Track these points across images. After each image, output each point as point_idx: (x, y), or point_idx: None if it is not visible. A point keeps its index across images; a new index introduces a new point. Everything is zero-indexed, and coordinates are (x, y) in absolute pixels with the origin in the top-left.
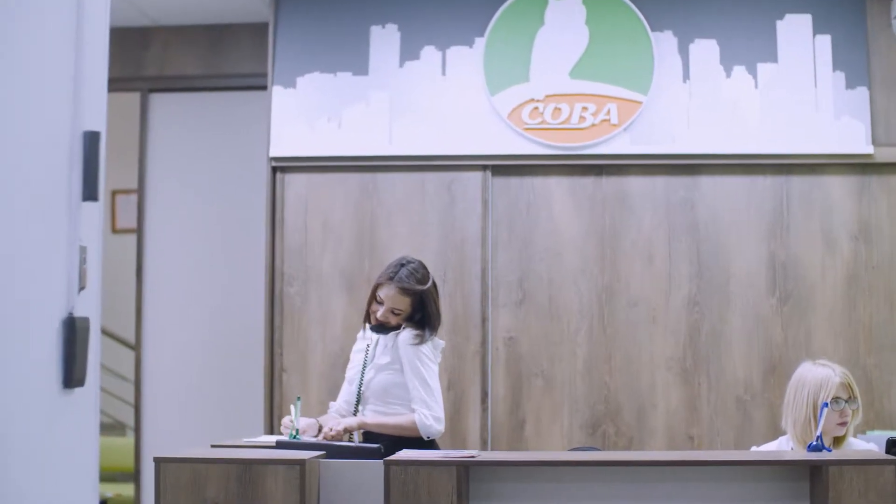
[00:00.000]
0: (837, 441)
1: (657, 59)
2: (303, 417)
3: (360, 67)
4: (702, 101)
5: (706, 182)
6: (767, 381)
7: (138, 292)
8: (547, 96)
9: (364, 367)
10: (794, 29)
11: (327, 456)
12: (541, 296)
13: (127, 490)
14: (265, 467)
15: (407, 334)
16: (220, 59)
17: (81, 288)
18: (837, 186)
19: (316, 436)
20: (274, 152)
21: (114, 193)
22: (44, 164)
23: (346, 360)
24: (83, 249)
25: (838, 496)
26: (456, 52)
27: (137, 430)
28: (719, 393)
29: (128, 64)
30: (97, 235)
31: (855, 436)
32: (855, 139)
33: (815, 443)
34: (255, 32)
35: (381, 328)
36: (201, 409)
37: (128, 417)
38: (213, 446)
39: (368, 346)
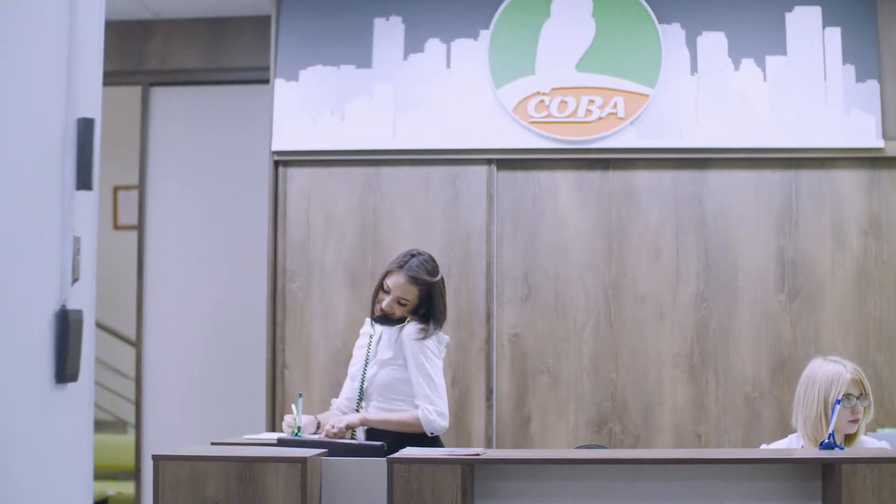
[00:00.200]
0: (849, 438)
1: (664, 52)
2: (304, 415)
3: (364, 60)
4: (710, 94)
5: (714, 176)
6: (776, 379)
7: (139, 288)
8: (553, 89)
9: (366, 362)
10: (804, 21)
11: (329, 454)
12: (546, 291)
13: (128, 488)
14: (266, 465)
15: (411, 328)
16: (222, 52)
17: (75, 280)
18: (847, 181)
19: (315, 433)
20: (276, 146)
21: (115, 189)
22: (35, 152)
23: (349, 357)
24: (77, 240)
25: (851, 495)
26: (461, 45)
27: (138, 427)
28: (727, 390)
29: (129, 57)
30: (92, 226)
31: (865, 433)
32: (865, 133)
33: (827, 440)
34: (258, 25)
35: (385, 319)
36: (203, 406)
37: (129, 415)
38: (213, 444)
39: (371, 340)
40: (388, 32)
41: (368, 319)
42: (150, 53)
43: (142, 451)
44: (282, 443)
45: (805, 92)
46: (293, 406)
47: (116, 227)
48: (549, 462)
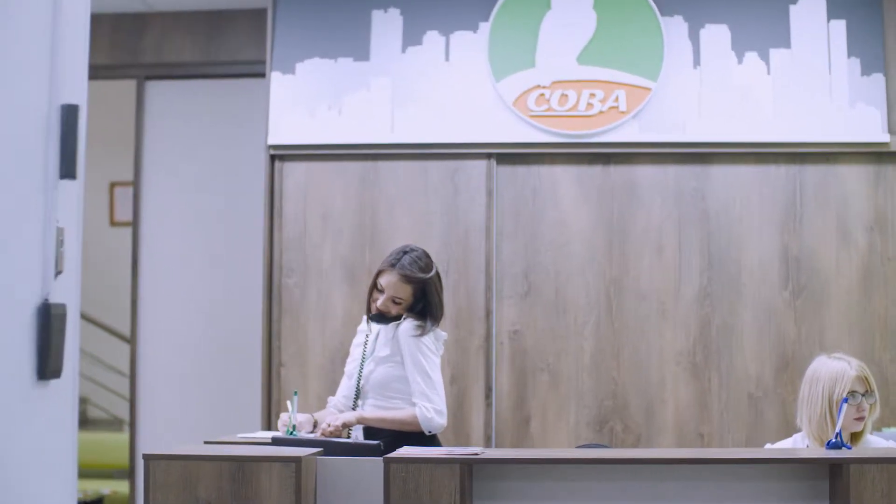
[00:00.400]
0: (855, 437)
1: (667, 45)
2: (299, 413)
3: (362, 53)
4: (713, 87)
5: (717, 171)
6: (780, 377)
7: (133, 285)
8: (553, 83)
9: (363, 360)
10: (808, 14)
11: (325, 453)
12: (547, 288)
13: (124, 487)
14: (259, 465)
15: (407, 325)
16: (218, 45)
17: (58, 272)
18: (852, 176)
19: (312, 431)
20: (272, 140)
21: (112, 186)
22: (16, 140)
23: (346, 354)
24: (60, 231)
25: (859, 496)
26: (460, 37)
27: (133, 425)
28: (730, 389)
29: (124, 51)
30: (76, 216)
31: (871, 432)
32: (870, 127)
33: (834, 440)
34: (254, 18)
35: (381, 318)
36: (198, 403)
37: (125, 413)
38: (206, 443)
39: (367, 338)
40: (386, 25)
41: (366, 316)
42: (146, 47)
43: (136, 449)
44: (276, 442)
45: (809, 85)
46: (288, 404)
47: (113, 223)
48: (550, 462)
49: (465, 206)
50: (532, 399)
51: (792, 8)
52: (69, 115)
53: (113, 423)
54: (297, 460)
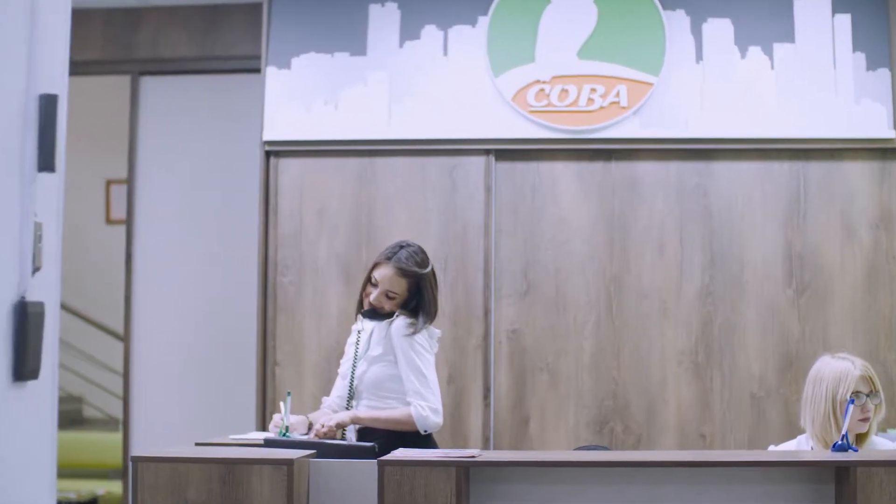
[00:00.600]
0: (859, 438)
1: (669, 39)
2: (292, 414)
3: (358, 47)
4: (715, 82)
5: (720, 168)
6: (783, 377)
7: (127, 282)
8: (553, 77)
9: (355, 359)
10: (813, 8)
11: (318, 455)
12: (546, 286)
13: (118, 487)
14: (250, 467)
15: (400, 322)
16: (213, 40)
17: (36, 269)
18: (857, 172)
19: (306, 433)
20: (267, 136)
21: (108, 183)
22: None
23: (342, 354)
24: (38, 226)
25: (867, 499)
26: (458, 32)
27: (126, 424)
28: (733, 389)
29: (118, 46)
30: (56, 211)
31: (876, 433)
32: (876, 123)
33: (840, 442)
34: (250, 12)
35: (374, 314)
36: (193, 402)
37: (121, 413)
38: (197, 444)
39: (360, 336)
40: (384, 19)
41: (359, 314)
42: (140, 42)
43: (129, 448)
44: (269, 443)
45: (814, 81)
46: (281, 405)
47: (109, 221)
48: (548, 464)
49: (464, 202)
50: (531, 399)
51: (796, 2)
52: (48, 105)
53: (108, 423)
54: (288, 463)
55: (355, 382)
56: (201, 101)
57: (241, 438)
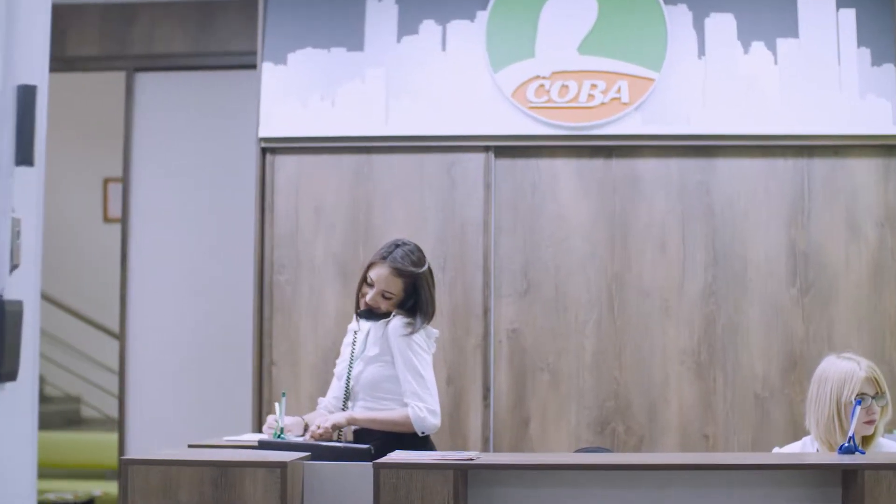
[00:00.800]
0: (865, 441)
1: (671, 34)
2: (288, 416)
3: (355, 43)
4: (718, 78)
5: (722, 165)
6: (787, 377)
7: (122, 281)
8: (553, 73)
9: (352, 360)
10: (816, 2)
11: (312, 457)
12: (546, 285)
13: (115, 488)
14: (243, 470)
15: (397, 322)
16: (209, 36)
17: (14, 266)
18: (862, 169)
19: (302, 434)
20: (263, 132)
21: (106, 182)
22: None
23: (339, 354)
24: (16, 222)
25: (875, 503)
26: (457, 27)
27: (122, 423)
28: (736, 389)
29: (112, 41)
30: (36, 206)
31: (883, 435)
32: (881, 119)
33: (847, 444)
34: (245, 7)
35: (370, 314)
36: (189, 402)
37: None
38: (190, 446)
39: (356, 336)
40: (381, 14)
41: (355, 314)
42: (135, 37)
43: (125, 448)
44: (263, 445)
45: (818, 76)
46: (276, 406)
47: (106, 219)
48: (548, 467)
49: (462, 200)
50: (531, 400)
51: None
52: (26, 96)
53: (106, 423)
54: (282, 465)
55: (352, 383)
56: (197, 98)
57: (236, 440)
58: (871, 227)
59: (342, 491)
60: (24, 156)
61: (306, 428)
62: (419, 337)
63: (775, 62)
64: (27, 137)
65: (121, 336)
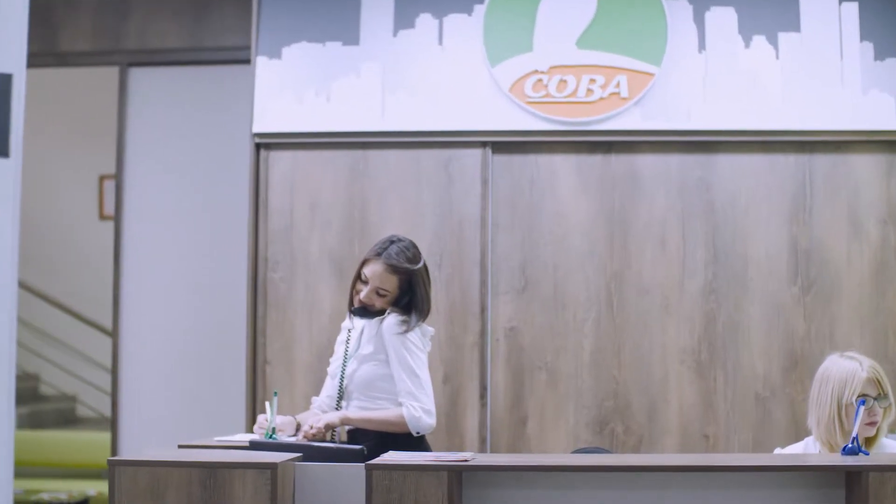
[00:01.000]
0: (867, 443)
1: (671, 28)
2: (280, 415)
3: (351, 37)
4: (719, 73)
5: (723, 161)
6: (788, 376)
7: (115, 278)
8: (552, 68)
9: (346, 358)
10: None
11: (304, 458)
12: (545, 283)
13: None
14: (232, 472)
15: (392, 320)
16: (203, 30)
17: None
18: (865, 166)
19: (294, 434)
20: (257, 128)
21: (101, 179)
22: None
23: (333, 352)
24: None
25: None
26: (454, 20)
27: (115, 422)
28: (737, 388)
29: (106, 36)
30: (12, 198)
31: (887, 435)
32: (884, 114)
33: (850, 445)
34: (240, 1)
35: (364, 312)
36: (183, 401)
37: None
38: (180, 446)
39: (350, 334)
40: (377, 7)
41: (349, 312)
42: (128, 32)
43: (118, 447)
44: (254, 446)
45: (820, 71)
46: (266, 405)
47: (102, 217)
48: (545, 469)
49: (460, 196)
50: (529, 399)
51: None
52: (1, 85)
53: (102, 423)
54: (272, 467)
55: (345, 382)
56: (191, 93)
57: (226, 440)
58: (873, 224)
59: (334, 493)
60: None
61: (298, 427)
62: (414, 335)
63: (777, 57)
64: (2, 128)
65: (114, 334)
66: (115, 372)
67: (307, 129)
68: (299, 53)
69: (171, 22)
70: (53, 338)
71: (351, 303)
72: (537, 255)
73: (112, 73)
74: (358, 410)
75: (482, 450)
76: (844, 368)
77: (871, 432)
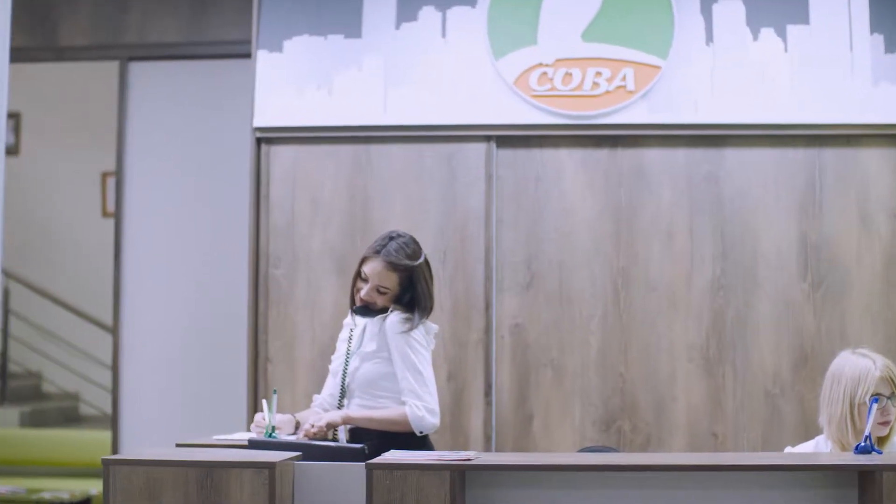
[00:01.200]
0: (880, 442)
1: (678, 20)
2: (279, 413)
3: (353, 29)
4: (726, 65)
5: (731, 155)
6: (798, 373)
7: (116, 275)
8: (557, 60)
9: (348, 356)
10: None
11: (304, 457)
12: (550, 279)
13: None
14: (229, 471)
15: (394, 318)
16: (203, 24)
17: None
18: (875, 160)
19: (293, 433)
20: (258, 122)
21: (104, 176)
22: None
23: (335, 350)
24: None
25: None
26: (457, 13)
27: (115, 420)
28: (745, 386)
29: (105, 30)
30: None
31: None
32: (894, 108)
33: (863, 444)
34: None
35: (366, 310)
36: (184, 398)
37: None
38: (178, 445)
39: (352, 332)
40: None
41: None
42: (128, 26)
43: (119, 444)
44: (253, 445)
45: (829, 64)
46: (263, 403)
47: (105, 214)
48: (549, 468)
49: (463, 191)
50: (534, 397)
51: None
52: None
53: (104, 421)
54: (270, 466)
55: (347, 380)
56: (191, 88)
57: (225, 439)
58: (884, 218)
59: (334, 493)
60: None
61: (297, 426)
62: (418, 333)
63: (785, 49)
64: None
65: (114, 331)
66: (115, 369)
67: (309, 124)
68: (300, 47)
69: (171, 16)
70: (56, 336)
71: (352, 301)
72: (542, 250)
73: (112, 67)
74: (360, 409)
75: (487, 449)
76: (857, 366)
77: (884, 432)
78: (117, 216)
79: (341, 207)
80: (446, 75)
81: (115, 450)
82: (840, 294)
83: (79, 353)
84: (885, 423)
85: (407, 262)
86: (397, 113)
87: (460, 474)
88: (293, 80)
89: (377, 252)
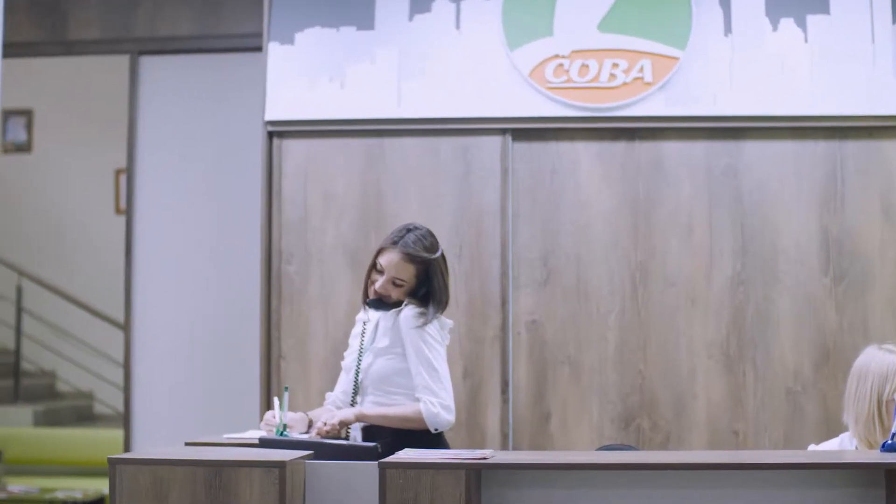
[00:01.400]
0: None
1: (695, 11)
2: (291, 411)
3: (366, 21)
4: (745, 57)
5: (751, 147)
6: (820, 370)
7: (128, 272)
8: (573, 52)
9: (361, 352)
10: None
11: (316, 456)
12: (567, 274)
13: None
14: (238, 470)
15: (409, 312)
16: (215, 17)
17: None
18: None
19: (305, 431)
20: (270, 115)
21: (117, 173)
22: None
23: (348, 346)
24: None
25: None
26: (471, 4)
27: (127, 418)
28: (766, 383)
29: (115, 24)
30: None
31: None
32: None
33: (890, 441)
34: None
35: (380, 303)
36: (197, 396)
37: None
38: (187, 444)
39: (365, 326)
40: None
41: (364, 303)
42: (139, 20)
43: (131, 442)
44: (264, 443)
45: (850, 54)
46: (275, 400)
47: (119, 211)
48: (566, 467)
49: (478, 186)
50: (552, 394)
51: None
52: None
53: (119, 420)
54: (280, 465)
55: (360, 376)
56: (202, 81)
57: (236, 437)
58: None
59: (346, 492)
60: None
61: (310, 424)
62: (432, 328)
63: (805, 40)
64: None
65: (126, 329)
66: (127, 367)
67: (321, 117)
68: (312, 39)
69: (182, 9)
70: (70, 334)
71: (366, 294)
72: (559, 245)
73: (122, 61)
74: (373, 407)
75: (504, 447)
76: (884, 362)
77: None
78: (129, 212)
79: (354, 202)
80: (461, 67)
81: (127, 448)
82: (862, 289)
83: (92, 352)
84: None
85: (424, 254)
86: (411, 106)
87: (476, 473)
88: (305, 73)
89: (394, 243)
